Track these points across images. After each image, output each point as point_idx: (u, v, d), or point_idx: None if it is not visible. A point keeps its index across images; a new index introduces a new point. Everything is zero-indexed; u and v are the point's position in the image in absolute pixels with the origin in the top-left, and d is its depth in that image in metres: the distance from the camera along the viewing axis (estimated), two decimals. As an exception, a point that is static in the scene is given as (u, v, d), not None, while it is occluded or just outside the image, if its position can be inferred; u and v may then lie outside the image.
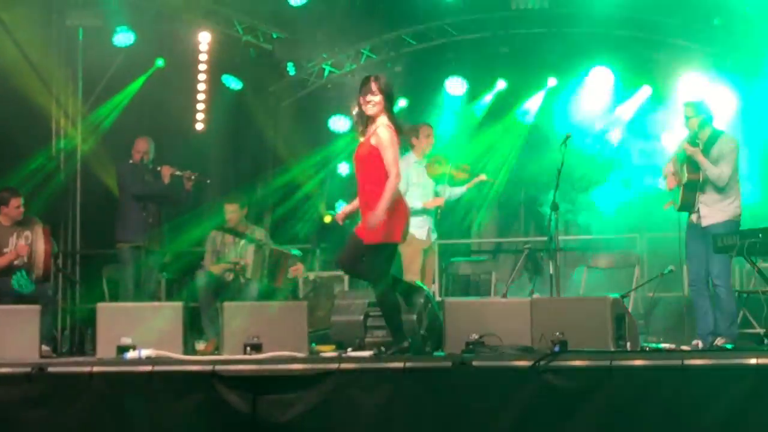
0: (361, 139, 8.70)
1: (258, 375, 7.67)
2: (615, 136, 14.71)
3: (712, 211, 10.08)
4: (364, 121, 8.67)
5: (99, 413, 7.62)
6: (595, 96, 14.62)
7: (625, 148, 14.32)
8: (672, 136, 11.58)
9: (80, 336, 12.68)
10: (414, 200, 11.20)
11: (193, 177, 11.85)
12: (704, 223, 10.07)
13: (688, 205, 10.19)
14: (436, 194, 11.56)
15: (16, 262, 10.93)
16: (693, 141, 10.15)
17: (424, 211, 11.39)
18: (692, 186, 10.10)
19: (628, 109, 14.63)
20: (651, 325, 11.74)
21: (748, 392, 6.95)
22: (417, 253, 11.31)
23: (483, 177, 11.72)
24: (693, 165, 10.08)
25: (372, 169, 8.57)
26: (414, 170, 11.42)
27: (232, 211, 11.76)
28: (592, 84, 14.57)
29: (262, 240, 11.57)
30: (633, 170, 13.71)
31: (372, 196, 8.53)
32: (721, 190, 10.04)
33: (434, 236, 11.51)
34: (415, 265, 11.30)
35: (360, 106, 8.65)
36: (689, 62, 14.05)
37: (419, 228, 11.30)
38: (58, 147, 14.16)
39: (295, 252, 12.04)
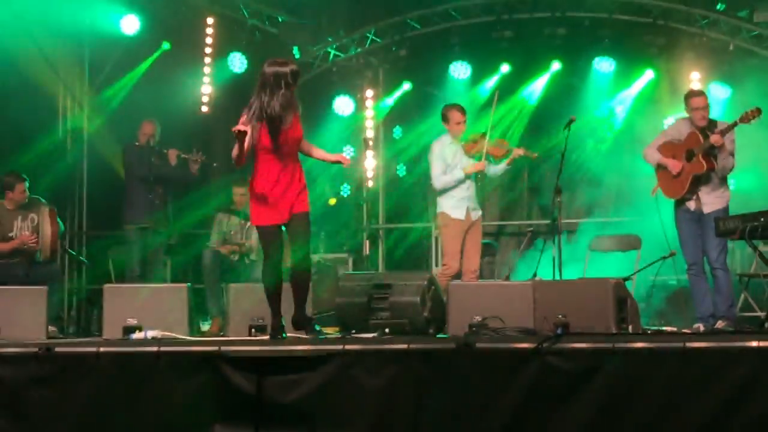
0: (281, 124, 8.77)
1: (263, 356, 7.71)
2: (617, 119, 14.76)
3: (711, 199, 10.17)
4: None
5: (106, 393, 7.67)
6: (598, 86, 14.68)
7: (625, 132, 14.37)
8: (672, 121, 11.61)
9: (86, 316, 12.76)
10: (452, 180, 11.21)
11: (199, 160, 11.91)
12: (706, 210, 10.14)
13: (691, 192, 10.24)
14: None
15: (23, 246, 11.00)
16: (704, 131, 10.19)
17: (462, 191, 11.32)
18: (705, 175, 10.16)
19: (630, 93, 14.66)
20: (652, 307, 11.79)
21: (750, 375, 6.98)
22: (457, 234, 11.22)
23: (521, 151, 11.52)
24: (710, 155, 10.11)
25: (297, 150, 8.88)
26: (449, 151, 11.33)
27: (240, 194, 11.81)
28: (596, 75, 14.63)
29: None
30: (635, 155, 13.74)
31: (300, 174, 8.84)
32: (722, 179, 10.15)
33: (477, 213, 11.41)
34: (453, 246, 11.24)
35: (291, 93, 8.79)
36: (692, 47, 14.08)
37: (457, 208, 11.23)
38: (65, 129, 14.23)
39: None
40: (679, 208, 10.35)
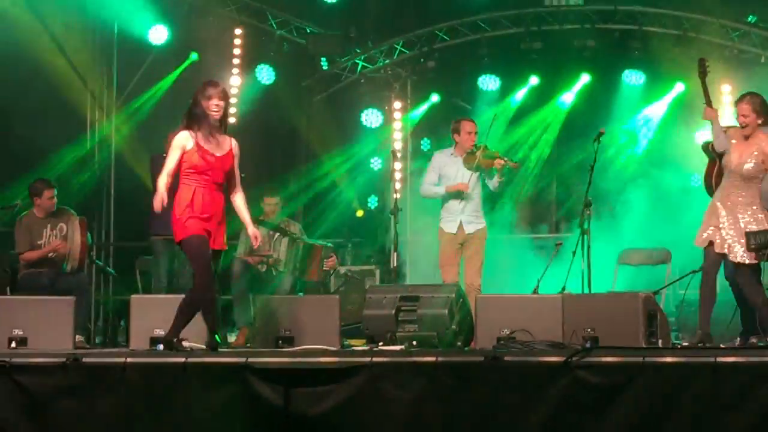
0: (210, 147, 8.61)
1: (291, 368, 7.69)
2: (646, 132, 14.70)
3: None
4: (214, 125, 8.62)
5: (133, 404, 7.66)
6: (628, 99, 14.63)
7: (656, 145, 14.30)
8: (704, 135, 11.51)
9: (113, 327, 12.77)
10: (432, 193, 11.31)
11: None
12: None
13: None
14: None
15: (51, 255, 11.01)
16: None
17: (455, 205, 11.35)
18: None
19: (660, 107, 14.59)
20: (682, 322, 11.70)
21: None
22: (447, 247, 11.28)
23: (502, 161, 11.35)
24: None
25: (230, 179, 8.72)
26: (449, 162, 11.34)
27: (273, 204, 11.78)
28: (626, 87, 14.60)
29: (296, 234, 11.59)
30: (664, 169, 13.67)
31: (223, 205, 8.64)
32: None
33: (474, 227, 11.36)
34: (443, 258, 11.28)
35: (214, 109, 8.56)
36: (723, 60, 14.00)
37: (449, 222, 11.29)
38: (93, 139, 14.26)
39: (328, 244, 12.06)
40: None
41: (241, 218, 8.96)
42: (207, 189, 8.58)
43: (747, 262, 9.06)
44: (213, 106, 8.54)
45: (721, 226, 9.20)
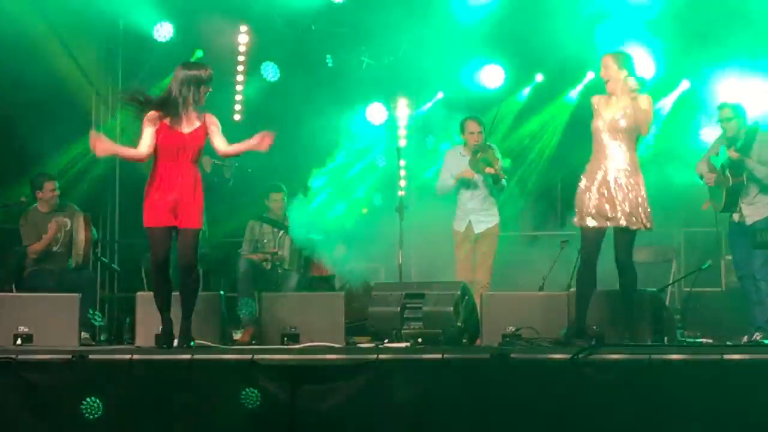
0: (182, 125, 8.86)
1: (296, 365, 7.69)
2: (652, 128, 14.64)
3: (751, 210, 10.02)
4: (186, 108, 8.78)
5: (138, 401, 7.66)
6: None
7: (663, 141, 14.26)
8: (711, 131, 11.52)
9: (118, 324, 12.77)
10: (443, 186, 11.37)
11: (232, 166, 11.92)
12: (748, 221, 10.03)
13: (731, 206, 10.13)
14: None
15: (55, 248, 11.02)
16: (733, 144, 10.08)
17: (465, 202, 11.39)
18: (737, 188, 10.05)
19: (666, 103, 14.55)
20: (688, 319, 11.70)
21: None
22: (458, 245, 11.39)
23: (491, 170, 11.43)
24: (736, 168, 10.01)
25: (198, 158, 8.83)
26: (458, 162, 11.46)
27: (278, 200, 11.80)
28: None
29: (299, 231, 11.61)
30: (670, 165, 13.64)
31: (197, 183, 8.79)
32: (764, 188, 9.99)
33: (484, 226, 11.40)
34: (456, 256, 11.39)
35: (198, 94, 8.86)
36: (728, 56, 13.97)
37: (459, 220, 11.45)
38: (98, 136, 14.24)
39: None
40: (729, 220, 10.28)
41: (239, 148, 9.11)
42: (174, 168, 8.77)
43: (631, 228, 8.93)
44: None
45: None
